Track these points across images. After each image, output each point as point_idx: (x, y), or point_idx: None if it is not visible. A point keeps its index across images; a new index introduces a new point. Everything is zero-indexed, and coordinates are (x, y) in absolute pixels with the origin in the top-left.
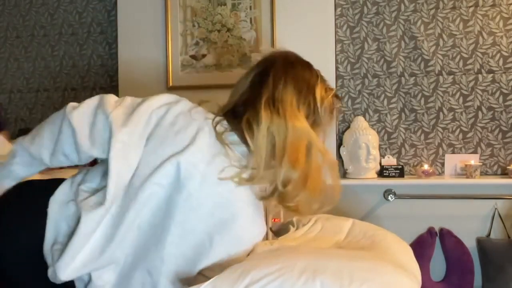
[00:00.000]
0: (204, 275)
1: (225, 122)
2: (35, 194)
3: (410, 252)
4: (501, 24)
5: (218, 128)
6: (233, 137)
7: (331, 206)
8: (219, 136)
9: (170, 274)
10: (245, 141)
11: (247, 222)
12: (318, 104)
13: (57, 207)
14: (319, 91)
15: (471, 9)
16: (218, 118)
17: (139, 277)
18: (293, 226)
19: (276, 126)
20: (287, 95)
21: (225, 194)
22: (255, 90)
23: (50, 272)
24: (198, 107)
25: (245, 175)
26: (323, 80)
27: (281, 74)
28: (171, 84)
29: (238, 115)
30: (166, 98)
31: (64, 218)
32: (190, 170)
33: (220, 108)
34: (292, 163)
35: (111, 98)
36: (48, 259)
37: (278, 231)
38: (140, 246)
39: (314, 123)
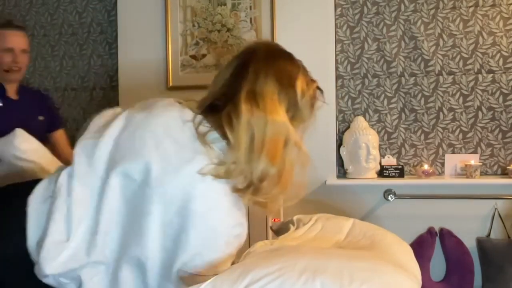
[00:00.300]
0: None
1: (205, 121)
2: (14, 196)
3: (410, 252)
4: (501, 24)
5: (200, 129)
6: (214, 135)
7: (293, 202)
8: (201, 137)
9: (156, 267)
10: (225, 136)
11: (222, 214)
12: (298, 98)
13: (37, 205)
14: (300, 84)
15: (471, 9)
16: (198, 118)
17: (128, 274)
18: (293, 225)
19: (256, 120)
20: (268, 88)
21: (200, 187)
22: (235, 83)
23: (36, 269)
24: (175, 103)
25: (223, 170)
26: (305, 73)
27: (262, 66)
28: (171, 84)
29: (218, 109)
30: (146, 101)
31: (46, 215)
32: (164, 166)
33: (199, 103)
34: (270, 159)
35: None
36: (35, 257)
37: (278, 230)
38: (123, 244)
39: (294, 117)
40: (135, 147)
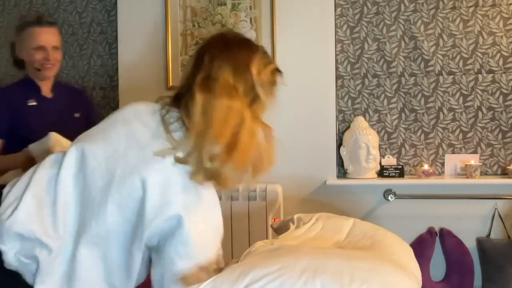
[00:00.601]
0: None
1: (174, 110)
2: None
3: (410, 252)
4: (501, 24)
5: (166, 118)
6: (177, 124)
7: (259, 176)
8: (165, 125)
9: (119, 240)
10: (185, 124)
11: (177, 189)
12: (255, 80)
13: (9, 187)
14: (255, 66)
15: (471, 9)
16: (165, 109)
17: (87, 253)
18: (293, 224)
19: (208, 104)
20: (222, 73)
21: (160, 165)
22: (193, 73)
23: None
24: (143, 103)
25: (180, 155)
26: (263, 56)
27: (216, 53)
28: (171, 84)
29: (181, 99)
30: None
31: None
32: (129, 142)
33: (170, 96)
34: (215, 138)
35: None
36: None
37: (278, 229)
38: (81, 223)
39: (254, 100)
40: (104, 129)
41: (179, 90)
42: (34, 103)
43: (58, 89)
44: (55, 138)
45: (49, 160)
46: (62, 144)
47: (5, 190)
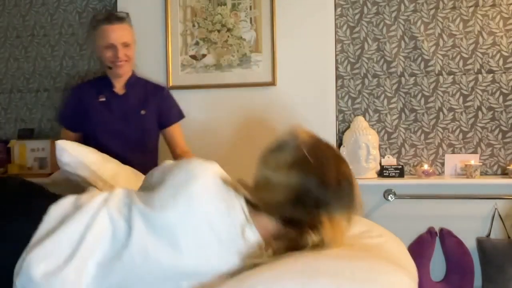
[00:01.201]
0: None
1: (255, 228)
2: (34, 197)
3: (403, 247)
4: (501, 24)
5: (248, 238)
6: (257, 250)
7: None
8: (246, 247)
9: None
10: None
11: None
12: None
13: (55, 215)
14: (358, 195)
15: (471, 9)
16: (249, 225)
17: None
18: None
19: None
20: (339, 217)
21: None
22: (302, 209)
23: (21, 268)
24: (218, 191)
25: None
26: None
27: (331, 193)
28: (171, 84)
29: (283, 222)
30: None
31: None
32: (199, 258)
33: (254, 194)
34: None
35: None
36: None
37: None
38: None
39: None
40: (172, 229)
41: (277, 206)
42: (103, 99)
43: (132, 85)
44: (61, 148)
45: (108, 218)
46: (72, 153)
47: (45, 224)
